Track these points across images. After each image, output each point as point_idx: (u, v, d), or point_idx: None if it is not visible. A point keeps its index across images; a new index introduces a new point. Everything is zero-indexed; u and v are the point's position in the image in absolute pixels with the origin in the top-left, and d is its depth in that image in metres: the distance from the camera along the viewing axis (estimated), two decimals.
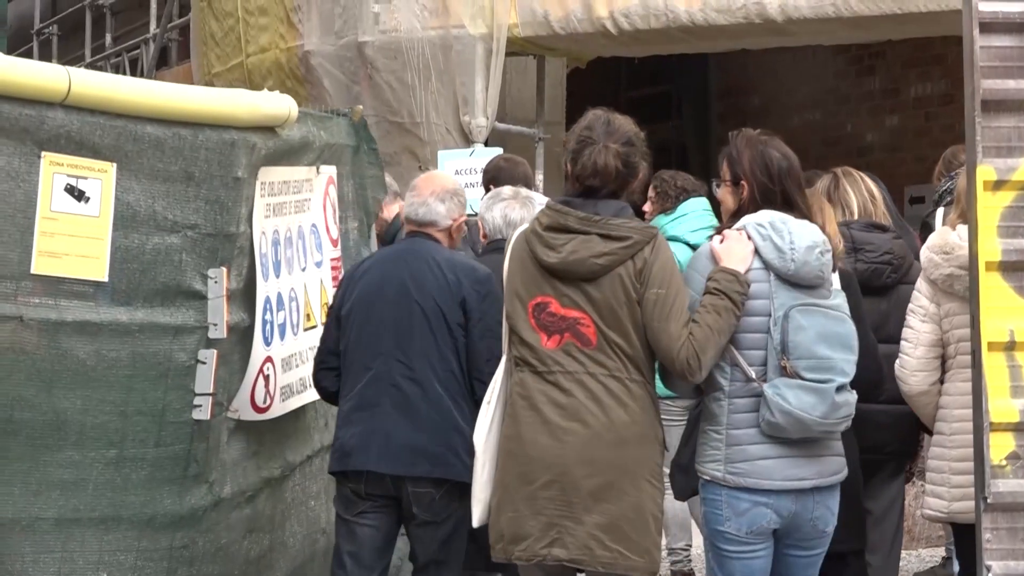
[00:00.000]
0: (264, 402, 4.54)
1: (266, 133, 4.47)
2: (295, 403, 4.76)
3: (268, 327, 4.57)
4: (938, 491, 4.96)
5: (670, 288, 4.24)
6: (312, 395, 4.86)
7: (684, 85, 15.09)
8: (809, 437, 4.24)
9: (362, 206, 5.47)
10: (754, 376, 4.24)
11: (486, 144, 10.00)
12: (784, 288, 4.27)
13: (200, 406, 4.18)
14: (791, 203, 4.41)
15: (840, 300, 4.38)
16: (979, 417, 4.53)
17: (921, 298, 5.00)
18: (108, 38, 16.73)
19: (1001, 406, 4.52)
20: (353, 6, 10.59)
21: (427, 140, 10.25)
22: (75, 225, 4.00)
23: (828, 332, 4.25)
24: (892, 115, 12.85)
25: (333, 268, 5.08)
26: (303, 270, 4.78)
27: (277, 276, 4.63)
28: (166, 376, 4.18)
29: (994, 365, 4.54)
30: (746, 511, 4.24)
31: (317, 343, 4.79)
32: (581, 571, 4.42)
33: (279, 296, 4.65)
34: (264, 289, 4.54)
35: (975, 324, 4.56)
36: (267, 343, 4.56)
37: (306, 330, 4.82)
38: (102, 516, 4.12)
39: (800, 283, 4.28)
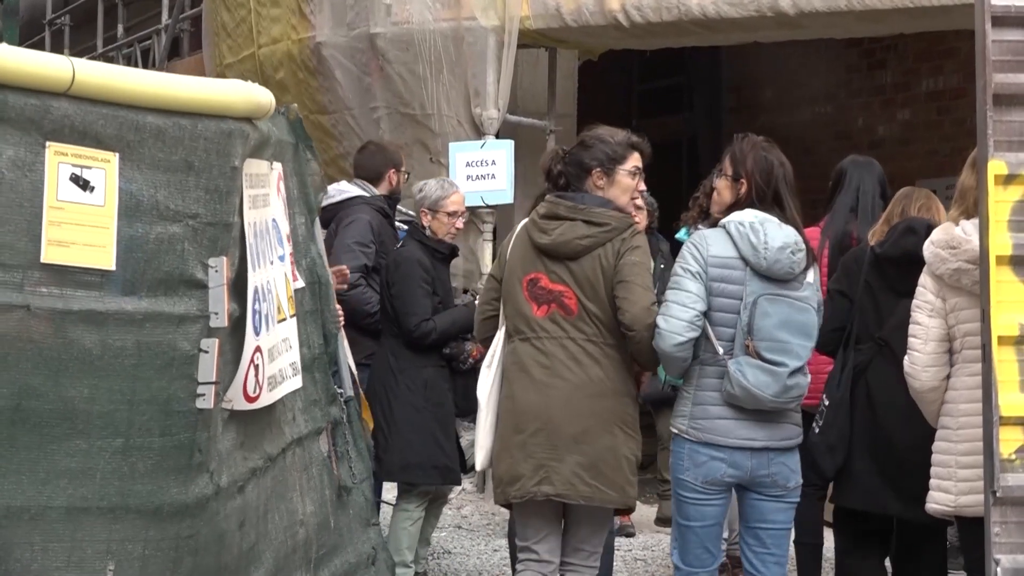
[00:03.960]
0: (254, 391, 4.59)
1: (251, 124, 4.52)
2: (279, 393, 4.85)
3: (257, 317, 4.62)
4: (944, 485, 4.96)
5: (643, 261, 5.00)
6: (289, 386, 4.92)
7: (696, 78, 15.07)
8: (762, 409, 4.85)
9: (305, 203, 5.54)
10: (721, 351, 4.85)
11: (497, 136, 10.00)
12: (757, 279, 4.86)
13: (204, 395, 4.22)
14: (781, 204, 4.98)
15: (810, 292, 4.94)
16: (989, 411, 4.53)
17: (927, 293, 4.99)
18: (120, 29, 16.76)
19: (1011, 400, 4.53)
20: None
21: (438, 132, 10.25)
22: (81, 214, 3.99)
23: (791, 320, 4.84)
24: (904, 109, 12.82)
25: (292, 264, 5.15)
26: (272, 264, 4.85)
27: (260, 267, 4.68)
28: (171, 365, 4.18)
29: (1004, 359, 4.54)
30: (703, 463, 4.87)
31: (289, 336, 4.97)
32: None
33: (263, 286, 4.70)
34: (253, 279, 4.58)
35: (985, 318, 4.56)
36: (256, 332, 4.60)
37: (279, 322, 4.88)
38: (110, 505, 4.11)
39: (772, 277, 4.86)
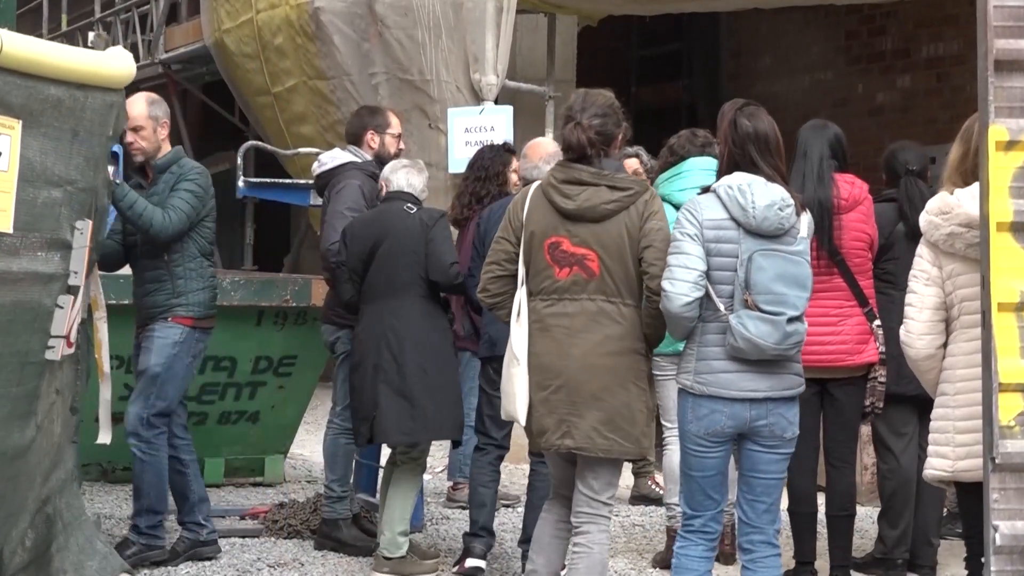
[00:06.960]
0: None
1: (121, 92, 4.91)
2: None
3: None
4: (942, 451, 4.98)
5: (666, 227, 5.28)
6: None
7: (695, 44, 15.04)
8: (764, 359, 5.05)
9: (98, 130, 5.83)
10: (722, 308, 5.07)
11: (496, 102, 9.99)
12: (750, 237, 5.08)
13: (53, 347, 4.57)
14: (756, 165, 5.15)
15: (803, 247, 5.16)
16: (988, 378, 4.54)
17: (923, 262, 5.03)
18: None
19: (1010, 366, 4.53)
20: None
21: (437, 98, 10.23)
22: None
23: (785, 273, 5.05)
24: (904, 75, 12.80)
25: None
26: None
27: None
28: (35, 321, 4.50)
29: (1004, 326, 4.55)
30: (704, 416, 5.10)
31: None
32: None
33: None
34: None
35: (985, 285, 4.56)
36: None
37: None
38: None
39: (763, 234, 5.07)
